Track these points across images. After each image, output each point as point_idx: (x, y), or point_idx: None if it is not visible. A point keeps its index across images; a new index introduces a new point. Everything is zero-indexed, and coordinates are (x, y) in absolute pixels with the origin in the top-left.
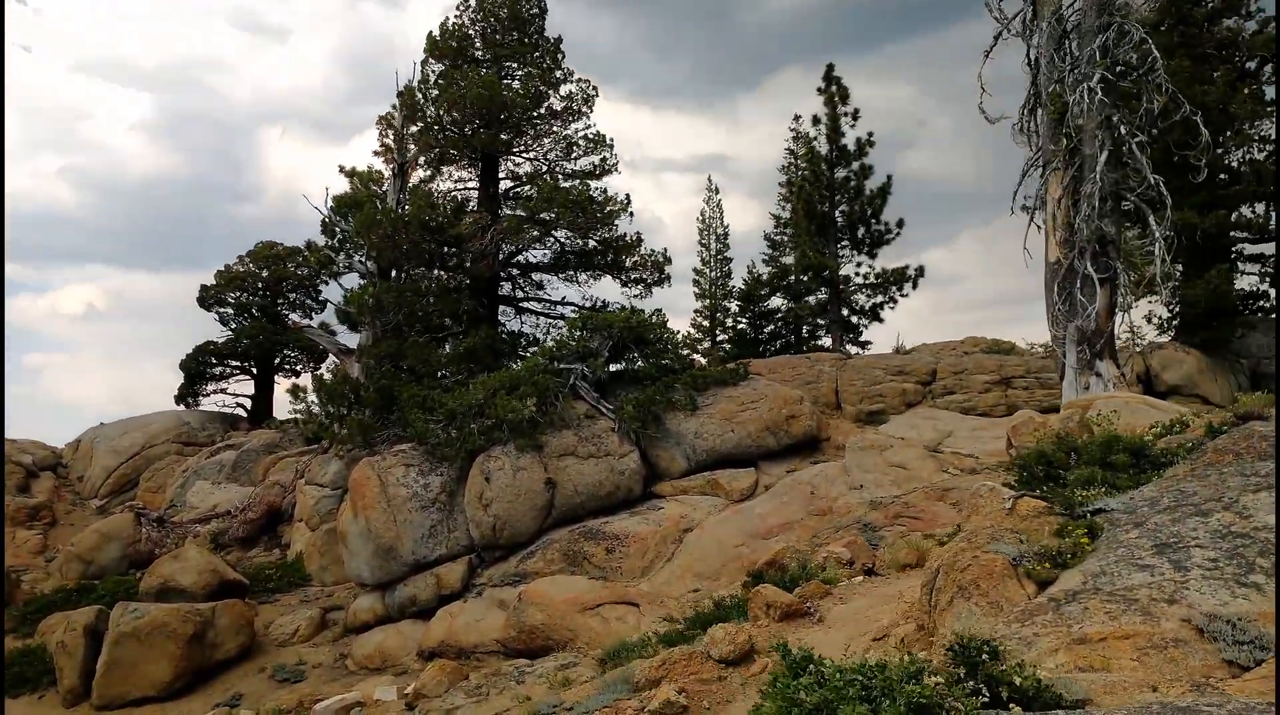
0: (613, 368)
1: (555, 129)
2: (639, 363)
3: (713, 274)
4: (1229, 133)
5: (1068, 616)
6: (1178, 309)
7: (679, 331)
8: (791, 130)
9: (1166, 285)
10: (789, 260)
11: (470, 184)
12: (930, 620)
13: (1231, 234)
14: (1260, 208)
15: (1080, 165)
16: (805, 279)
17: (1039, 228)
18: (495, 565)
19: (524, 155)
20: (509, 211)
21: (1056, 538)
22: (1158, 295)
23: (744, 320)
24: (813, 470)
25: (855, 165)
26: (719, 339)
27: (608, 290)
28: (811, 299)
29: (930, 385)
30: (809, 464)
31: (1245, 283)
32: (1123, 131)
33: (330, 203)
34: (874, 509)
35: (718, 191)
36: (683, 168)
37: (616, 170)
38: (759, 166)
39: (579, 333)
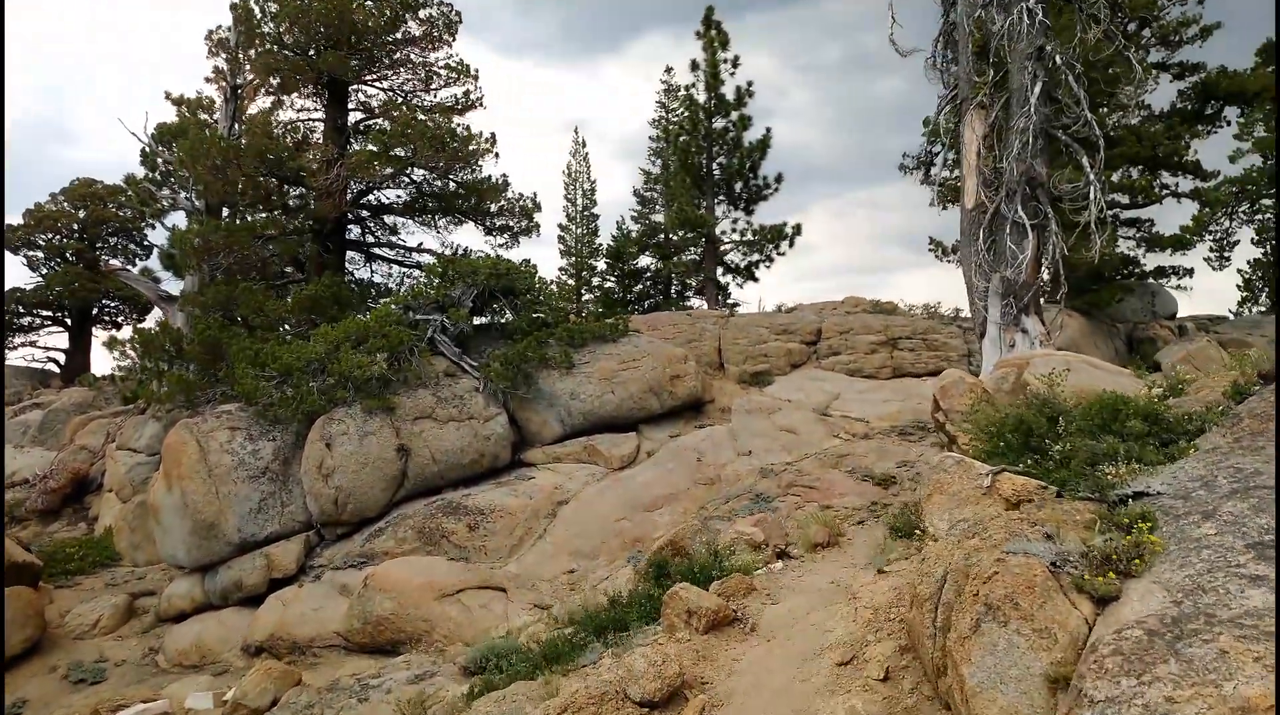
0: (478, 321)
1: (413, 57)
2: (508, 315)
3: (579, 231)
4: (1110, 95)
5: (1200, 665)
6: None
7: (550, 280)
8: (663, 82)
9: (1101, 234)
10: (659, 218)
11: (316, 114)
12: (937, 650)
13: (1109, 198)
14: (1135, 172)
15: (1008, 99)
16: (680, 236)
17: (936, 184)
18: (338, 544)
19: (378, 85)
20: (359, 145)
21: (1095, 532)
22: (1091, 245)
23: (612, 279)
24: (698, 435)
25: (734, 115)
26: (584, 298)
27: (470, 238)
28: (685, 257)
29: (815, 345)
30: (694, 428)
31: (1123, 247)
32: (1058, 61)
33: (152, 130)
34: (765, 477)
35: (584, 145)
36: (545, 128)
37: (481, 105)
38: (622, 130)
39: (439, 280)
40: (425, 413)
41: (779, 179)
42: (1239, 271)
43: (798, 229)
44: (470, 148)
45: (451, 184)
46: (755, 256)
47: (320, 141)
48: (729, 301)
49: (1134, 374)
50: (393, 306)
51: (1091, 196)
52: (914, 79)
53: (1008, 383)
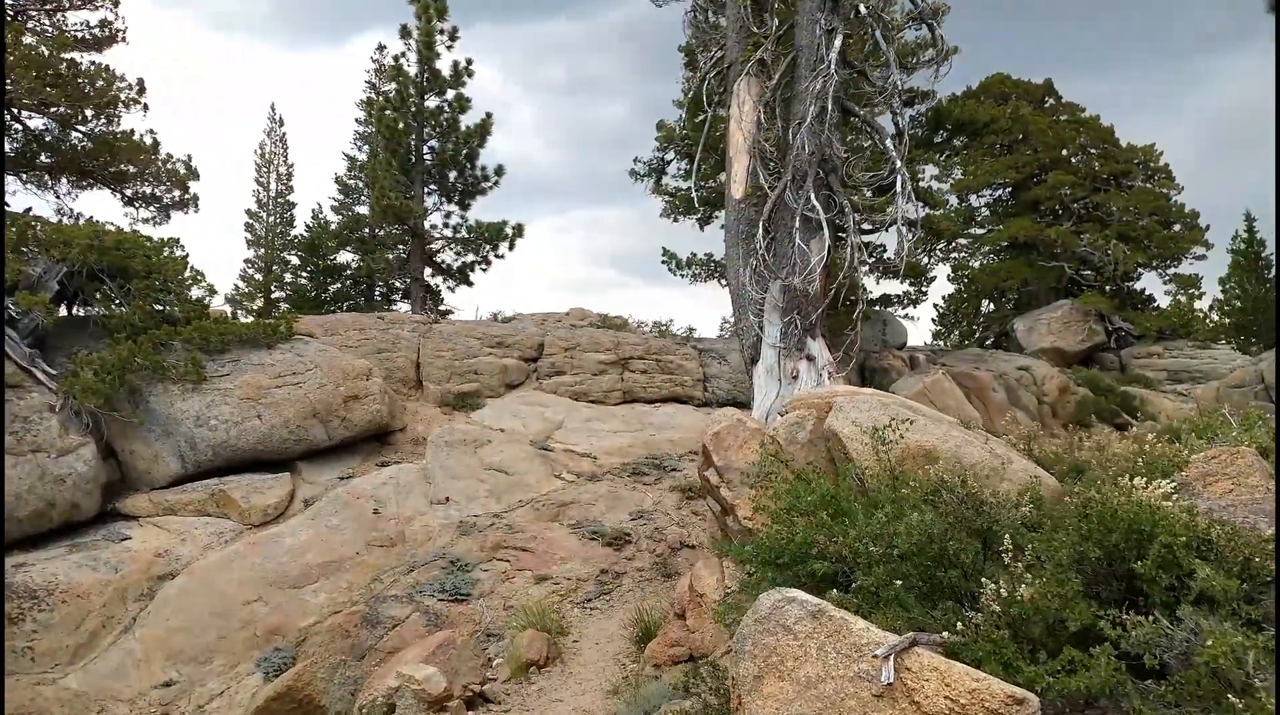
0: (76, 312)
1: None
2: (119, 306)
3: (270, 219)
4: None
5: None
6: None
7: (187, 260)
8: (375, 61)
9: (910, 235)
10: (364, 210)
11: None
12: None
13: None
14: (870, 193)
15: (794, 59)
16: (385, 230)
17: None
18: None
19: None
20: None
21: None
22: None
23: (305, 275)
24: (378, 476)
25: (450, 95)
26: (274, 297)
27: (103, 207)
28: (390, 255)
29: (537, 362)
30: (375, 466)
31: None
32: (863, 10)
33: None
34: (466, 535)
35: (282, 123)
36: (253, 112)
37: (123, 40)
38: (337, 123)
39: (10, 251)
40: None
41: (500, 171)
42: (935, 306)
43: (519, 230)
44: (110, 93)
45: (76, 136)
46: (471, 257)
47: None
48: (441, 308)
49: (958, 424)
50: None
51: (898, 188)
52: (637, 106)
53: (804, 431)
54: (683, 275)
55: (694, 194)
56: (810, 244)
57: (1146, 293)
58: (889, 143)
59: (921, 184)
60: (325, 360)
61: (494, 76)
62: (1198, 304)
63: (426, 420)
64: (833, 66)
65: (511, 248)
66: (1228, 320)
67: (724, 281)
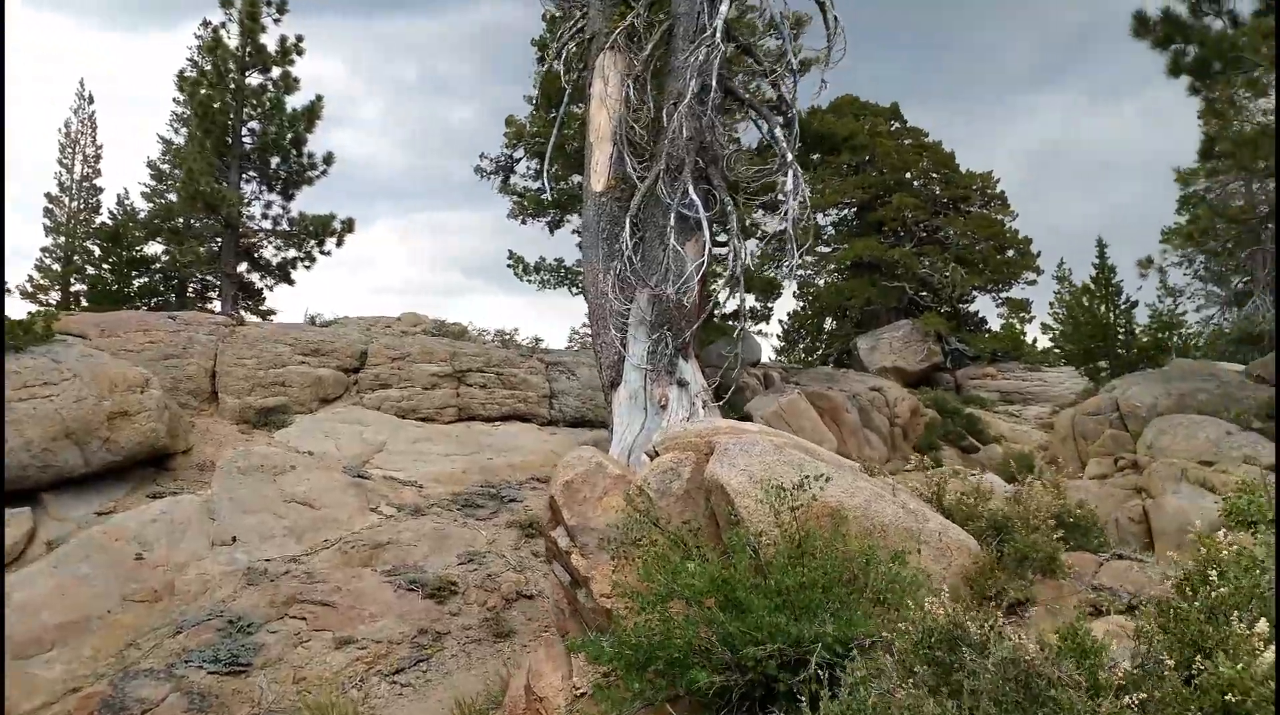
0: None
1: None
2: None
3: (74, 205)
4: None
5: None
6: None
7: None
8: (198, 38)
9: (803, 243)
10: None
11: None
12: None
13: None
14: (743, 201)
15: (670, 29)
16: (197, 221)
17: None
18: None
19: None
20: None
21: None
22: (785, 257)
23: (107, 267)
24: (148, 511)
25: (276, 73)
26: (74, 290)
27: None
28: (203, 247)
29: (359, 373)
30: (146, 498)
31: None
32: None
33: None
34: (253, 585)
35: (91, 101)
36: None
37: None
38: (160, 118)
39: None
40: None
41: (329, 159)
42: (779, 321)
43: (349, 224)
44: None
45: None
46: (293, 252)
47: None
48: (260, 309)
49: (862, 471)
50: None
51: (789, 186)
52: (488, 109)
53: (680, 480)
54: (530, 281)
55: (545, 194)
56: (686, 247)
57: (980, 315)
58: (778, 132)
59: (779, 199)
60: (88, 367)
61: (340, 70)
62: (1027, 327)
63: (219, 441)
64: (718, 36)
65: (340, 244)
66: (1068, 345)
67: (575, 289)
